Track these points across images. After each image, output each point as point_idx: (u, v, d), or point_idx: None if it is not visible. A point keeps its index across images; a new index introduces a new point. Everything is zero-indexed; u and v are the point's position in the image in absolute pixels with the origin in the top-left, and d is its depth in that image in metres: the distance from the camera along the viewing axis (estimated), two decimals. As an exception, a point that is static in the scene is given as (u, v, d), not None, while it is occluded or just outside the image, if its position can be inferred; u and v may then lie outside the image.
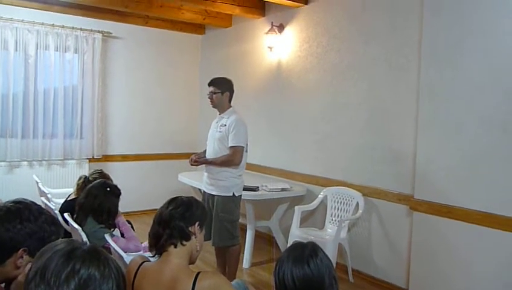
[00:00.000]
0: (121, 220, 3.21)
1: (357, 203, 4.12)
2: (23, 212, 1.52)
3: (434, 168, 3.51)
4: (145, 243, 2.68)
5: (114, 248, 2.67)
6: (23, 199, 1.61)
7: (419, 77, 3.63)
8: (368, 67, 4.21)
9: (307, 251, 1.58)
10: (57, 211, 3.38)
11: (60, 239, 1.38)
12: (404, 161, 3.85)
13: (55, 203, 3.79)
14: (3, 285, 1.56)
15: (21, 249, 1.49)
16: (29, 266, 1.41)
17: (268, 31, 5.16)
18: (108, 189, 3.12)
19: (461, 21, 3.32)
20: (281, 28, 5.18)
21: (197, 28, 6.67)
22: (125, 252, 2.95)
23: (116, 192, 3.17)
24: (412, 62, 3.77)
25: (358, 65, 4.31)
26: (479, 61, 3.22)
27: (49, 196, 3.94)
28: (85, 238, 2.78)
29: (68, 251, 1.12)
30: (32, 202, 1.61)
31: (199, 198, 3.66)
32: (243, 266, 4.37)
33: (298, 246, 1.64)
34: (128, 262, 2.09)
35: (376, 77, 4.13)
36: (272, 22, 5.17)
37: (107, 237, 2.86)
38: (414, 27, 3.75)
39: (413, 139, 3.73)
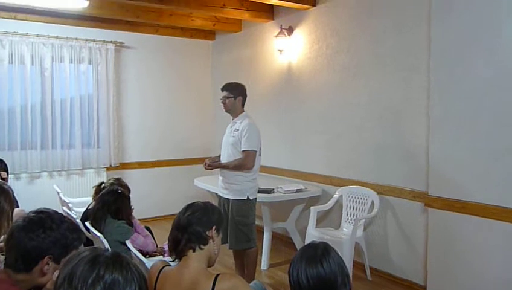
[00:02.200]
0: (136, 221, 3.39)
1: (372, 202, 4.14)
2: (46, 222, 1.59)
3: (448, 164, 3.51)
4: (165, 245, 2.79)
5: (135, 254, 2.76)
6: (45, 208, 1.67)
7: (430, 76, 3.65)
8: (377, 67, 4.23)
9: (320, 251, 1.63)
10: (78, 220, 3.49)
11: (84, 247, 1.45)
12: (418, 158, 3.86)
13: (76, 212, 3.89)
14: None
15: (46, 257, 1.56)
16: (56, 273, 1.49)
17: (278, 34, 5.21)
18: (119, 191, 3.29)
19: (470, 19, 3.32)
20: (290, 30, 5.23)
21: (207, 34, 6.76)
22: (144, 248, 3.11)
23: (126, 193, 3.39)
24: (421, 61, 3.78)
25: (368, 65, 4.33)
26: (489, 58, 3.22)
27: (70, 205, 4.05)
28: (107, 245, 2.88)
29: (92, 257, 1.19)
30: (54, 211, 1.68)
31: (215, 202, 3.75)
32: (261, 268, 4.42)
33: (311, 247, 1.69)
34: (149, 267, 2.17)
35: (386, 76, 4.15)
36: (281, 25, 5.23)
37: (127, 243, 2.99)
38: (423, 26, 3.77)
39: (426, 136, 3.74)
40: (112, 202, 3.27)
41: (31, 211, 1.64)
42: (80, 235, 1.68)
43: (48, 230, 1.57)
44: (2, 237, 2.38)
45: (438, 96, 3.57)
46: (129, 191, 3.64)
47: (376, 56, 4.24)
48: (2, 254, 2.23)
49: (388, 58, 4.12)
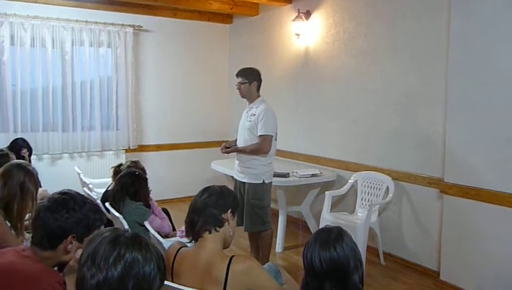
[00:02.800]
0: (153, 203, 3.50)
1: (387, 188, 4.16)
2: (69, 203, 1.66)
3: (464, 151, 3.50)
4: (182, 228, 2.87)
5: (153, 235, 2.85)
6: (68, 190, 1.75)
7: (448, 62, 3.61)
8: (395, 52, 4.20)
9: (333, 235, 1.66)
10: (98, 201, 3.59)
11: (106, 228, 1.52)
12: (434, 144, 3.85)
13: (96, 193, 4.00)
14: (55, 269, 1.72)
15: (70, 236, 1.64)
16: (79, 251, 1.57)
17: (295, 18, 5.19)
18: (137, 173, 3.39)
19: (491, 6, 3.27)
20: (307, 14, 5.20)
21: (225, 18, 6.75)
22: (160, 230, 3.21)
23: (143, 176, 3.48)
24: (439, 47, 3.74)
25: (385, 50, 4.30)
26: (508, 46, 3.18)
27: (90, 186, 4.16)
28: (126, 226, 2.98)
29: (113, 237, 1.26)
30: (77, 193, 1.75)
31: (231, 185, 3.81)
32: (276, 250, 4.50)
33: (325, 230, 1.72)
34: (166, 247, 2.24)
35: (403, 62, 4.11)
36: (299, 9, 5.19)
37: (146, 224, 3.08)
38: (442, 10, 3.72)
39: (443, 123, 3.72)
40: (130, 184, 3.35)
41: (55, 193, 1.72)
42: (101, 216, 1.76)
43: (71, 211, 1.65)
44: (28, 215, 2.49)
45: (455, 83, 3.54)
46: (145, 174, 3.72)
47: (393, 42, 4.20)
48: (28, 232, 2.34)
49: (406, 44, 4.08)
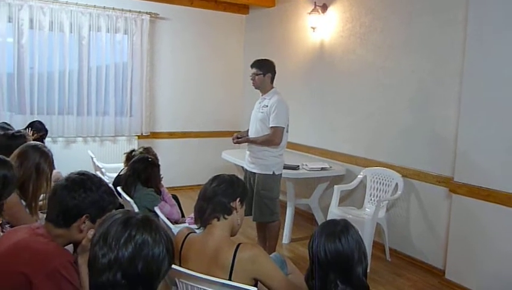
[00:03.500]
0: (164, 190, 3.54)
1: (396, 184, 4.16)
2: (87, 183, 1.71)
3: (475, 151, 3.49)
4: (191, 215, 2.92)
5: (163, 220, 2.90)
6: (86, 171, 1.79)
7: (464, 58, 3.59)
8: (411, 48, 4.17)
9: (339, 227, 1.69)
10: (110, 185, 3.65)
11: (118, 209, 1.56)
12: (445, 143, 3.84)
13: (108, 177, 4.07)
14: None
15: (84, 215, 1.68)
16: (91, 231, 1.62)
17: (312, 11, 5.18)
18: (149, 160, 3.44)
19: (509, 2, 3.23)
20: (324, 8, 5.18)
21: (241, 8, 6.76)
22: (169, 217, 3.27)
23: (155, 162, 3.53)
24: (456, 43, 3.72)
25: (401, 45, 4.28)
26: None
27: (103, 170, 4.23)
28: (136, 209, 3.03)
29: (125, 219, 1.31)
30: (94, 174, 1.80)
31: (241, 175, 3.85)
32: (283, 242, 4.54)
33: (331, 223, 1.75)
34: (175, 233, 2.29)
35: (419, 57, 4.09)
36: (315, 2, 5.18)
37: (156, 209, 3.14)
38: (459, 6, 3.69)
39: (455, 121, 3.70)
40: (142, 170, 3.41)
41: (72, 173, 1.76)
42: (115, 199, 1.81)
43: (88, 191, 1.69)
44: (42, 195, 2.55)
45: (470, 81, 3.51)
46: (157, 160, 3.78)
47: (409, 37, 4.18)
48: (42, 212, 2.41)
49: (422, 40, 4.05)
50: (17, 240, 1.61)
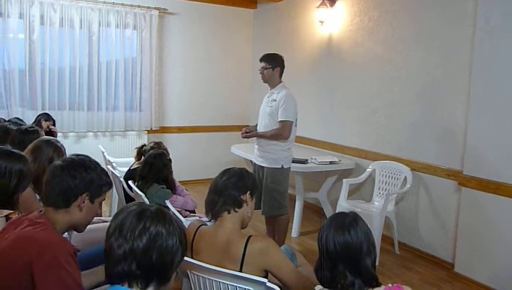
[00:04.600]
0: (176, 183, 3.59)
1: (405, 178, 4.16)
2: (85, 162, 1.76)
3: (485, 144, 3.48)
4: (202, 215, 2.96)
5: (174, 213, 2.94)
6: (80, 154, 1.84)
7: (473, 52, 3.57)
8: (419, 42, 4.16)
9: (348, 220, 1.72)
10: (122, 179, 3.70)
11: (132, 202, 1.60)
12: (454, 136, 3.83)
13: (119, 171, 4.12)
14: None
15: (84, 194, 1.72)
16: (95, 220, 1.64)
17: (320, 4, 5.17)
18: (161, 156, 3.46)
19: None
20: (332, 1, 5.17)
21: (249, 3, 6.76)
22: (184, 207, 3.32)
23: (168, 157, 3.55)
24: (465, 37, 3.70)
25: (409, 39, 4.27)
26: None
27: (114, 164, 4.28)
28: (148, 202, 3.07)
29: (139, 211, 1.34)
30: (88, 156, 1.84)
31: (250, 169, 3.87)
32: (292, 235, 4.57)
33: (340, 215, 1.78)
34: (186, 226, 2.33)
35: (428, 51, 4.08)
36: (324, -4, 5.18)
37: (167, 203, 3.18)
38: (468, 1, 3.66)
39: (464, 114, 3.70)
40: (160, 169, 3.40)
41: (69, 156, 1.82)
42: (110, 180, 1.85)
43: (88, 169, 1.74)
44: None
45: (479, 74, 3.50)
46: (168, 154, 3.81)
47: (418, 31, 4.17)
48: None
49: (431, 33, 4.04)
50: (18, 231, 1.62)
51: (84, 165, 1.74)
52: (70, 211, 1.72)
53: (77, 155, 1.80)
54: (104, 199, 1.84)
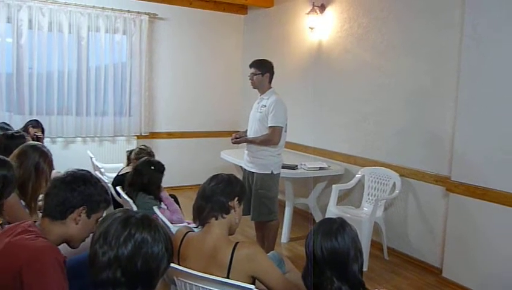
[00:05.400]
0: (164, 194, 3.47)
1: (394, 184, 4.18)
2: (86, 177, 1.77)
3: (472, 150, 3.51)
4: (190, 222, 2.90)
5: (162, 219, 2.92)
6: (84, 169, 1.84)
7: (460, 59, 3.61)
8: (408, 48, 4.20)
9: (335, 226, 1.72)
10: (110, 185, 3.67)
11: (118, 209, 1.58)
12: (442, 142, 3.86)
13: (107, 177, 4.09)
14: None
15: (81, 207, 1.72)
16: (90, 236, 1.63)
17: (310, 11, 5.20)
18: (153, 167, 3.38)
19: (505, 1, 3.26)
20: (322, 8, 5.21)
21: (240, 9, 6.78)
22: (170, 221, 3.23)
23: (160, 168, 3.45)
24: (453, 43, 3.74)
25: (398, 46, 4.30)
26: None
27: (102, 170, 4.25)
28: (135, 209, 3.04)
29: (125, 218, 1.33)
30: (91, 173, 1.84)
31: (240, 175, 3.87)
32: (281, 241, 4.56)
33: (328, 221, 1.78)
34: (174, 232, 2.31)
35: (416, 58, 4.12)
36: (313, 2, 5.20)
37: (155, 209, 3.13)
38: (456, 8, 3.71)
39: (452, 121, 3.73)
40: (148, 183, 3.32)
41: (71, 169, 1.81)
42: (109, 199, 1.86)
43: (88, 183, 1.74)
44: (41, 196, 2.56)
45: (467, 80, 3.54)
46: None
47: (407, 38, 4.21)
48: (41, 212, 2.42)
49: (419, 41, 4.08)
50: (9, 239, 1.60)
51: (84, 179, 1.75)
52: (66, 223, 1.71)
53: (79, 170, 1.80)
54: (101, 217, 1.81)
